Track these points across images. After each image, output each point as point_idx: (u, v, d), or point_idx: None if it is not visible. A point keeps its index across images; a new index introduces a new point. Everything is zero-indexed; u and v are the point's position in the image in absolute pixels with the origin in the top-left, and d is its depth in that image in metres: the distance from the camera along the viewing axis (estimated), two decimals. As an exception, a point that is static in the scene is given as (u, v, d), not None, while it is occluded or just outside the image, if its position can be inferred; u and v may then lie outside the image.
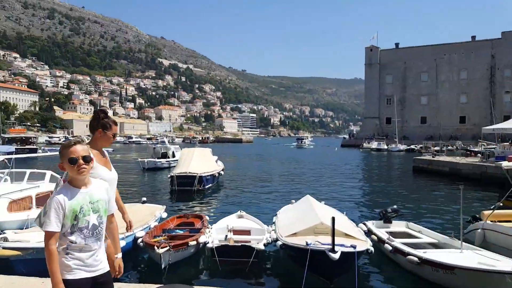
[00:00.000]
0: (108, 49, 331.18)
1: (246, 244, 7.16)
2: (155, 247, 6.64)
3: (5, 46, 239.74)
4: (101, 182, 2.35)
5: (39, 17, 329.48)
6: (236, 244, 7.20)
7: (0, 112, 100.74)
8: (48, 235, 2.06)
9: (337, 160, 41.70)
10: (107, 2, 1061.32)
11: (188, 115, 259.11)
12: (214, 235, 7.91)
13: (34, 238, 6.46)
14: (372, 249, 6.45)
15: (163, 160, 29.05)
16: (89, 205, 2.18)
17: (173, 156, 29.80)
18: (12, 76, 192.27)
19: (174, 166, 21.82)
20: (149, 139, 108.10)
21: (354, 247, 6.01)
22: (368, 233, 7.96)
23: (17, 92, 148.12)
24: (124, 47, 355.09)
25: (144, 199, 11.17)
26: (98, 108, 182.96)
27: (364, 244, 6.46)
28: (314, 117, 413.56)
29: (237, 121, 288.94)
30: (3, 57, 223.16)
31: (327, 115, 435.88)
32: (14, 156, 12.33)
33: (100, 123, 2.89)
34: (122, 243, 7.12)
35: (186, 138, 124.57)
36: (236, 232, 8.24)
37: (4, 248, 5.96)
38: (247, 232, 8.47)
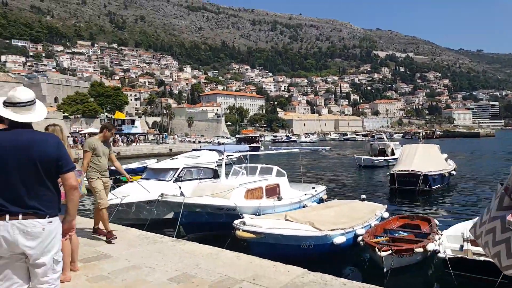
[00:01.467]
0: (323, 50, 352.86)
1: (491, 260, 5.95)
2: (376, 249, 6.49)
3: (239, 61, 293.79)
4: None
5: (264, 30, 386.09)
6: (477, 258, 6.11)
7: (237, 116, 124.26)
8: None
9: None
10: (322, 5, 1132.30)
11: (408, 108, 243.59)
12: (446, 243, 7.02)
13: (265, 224, 7.44)
14: None
15: (380, 158, 28.34)
16: None
17: (392, 153, 28.56)
18: (245, 85, 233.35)
19: (393, 164, 21.02)
20: (364, 135, 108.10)
21: None
22: None
23: (248, 98, 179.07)
24: (338, 45, 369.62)
25: (363, 196, 11.18)
26: (315, 107, 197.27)
27: None
28: None
29: (472, 111, 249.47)
30: (238, 70, 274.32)
31: None
32: (248, 153, 14.87)
33: None
34: (342, 239, 7.33)
35: (406, 134, 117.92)
36: (476, 243, 7.02)
37: (243, 230, 7.12)
38: None
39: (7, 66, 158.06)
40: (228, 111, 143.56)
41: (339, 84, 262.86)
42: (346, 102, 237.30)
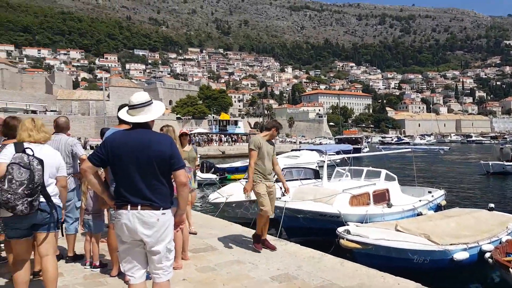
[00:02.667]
0: (440, 42, 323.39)
1: None
2: (510, 270, 5.74)
3: (343, 58, 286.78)
4: None
5: (371, 25, 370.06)
6: None
7: (340, 116, 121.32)
8: None
9: None
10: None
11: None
12: None
13: (372, 234, 7.06)
14: None
15: (514, 163, 24.84)
16: None
17: (529, 159, 24.84)
18: (349, 83, 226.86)
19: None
20: (493, 137, 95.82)
21: None
22: None
23: (353, 97, 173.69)
24: (459, 36, 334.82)
25: (492, 205, 9.84)
26: (431, 105, 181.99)
27: None
28: None
29: None
30: (342, 68, 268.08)
31: None
32: (352, 155, 14.36)
33: None
34: (464, 255, 6.58)
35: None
36: None
37: (347, 240, 6.86)
38: None
39: (130, 73, 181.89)
40: (331, 111, 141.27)
41: (461, 80, 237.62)
42: (469, 99, 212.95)
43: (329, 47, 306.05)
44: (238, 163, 26.30)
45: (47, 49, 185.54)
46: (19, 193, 2.87)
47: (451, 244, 6.84)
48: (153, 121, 2.78)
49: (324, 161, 11.59)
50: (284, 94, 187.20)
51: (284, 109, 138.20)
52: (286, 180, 11.97)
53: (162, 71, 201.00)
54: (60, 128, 4.61)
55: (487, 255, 6.65)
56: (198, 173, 18.80)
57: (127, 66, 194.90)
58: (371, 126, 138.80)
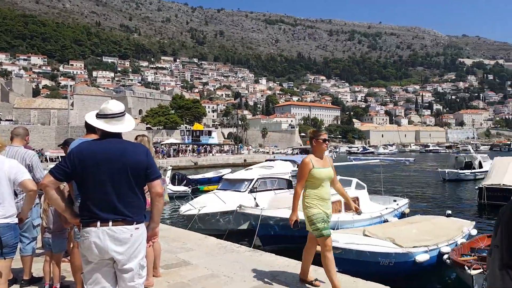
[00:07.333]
0: (403, 59, 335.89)
1: None
2: (466, 267, 6.13)
3: (315, 71, 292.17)
4: None
5: (341, 40, 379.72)
6: None
7: (311, 127, 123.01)
8: None
9: None
10: (403, 12, 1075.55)
11: (497, 118, 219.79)
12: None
13: (342, 239, 7.23)
14: None
15: (467, 171, 26.48)
16: None
17: (480, 166, 26.63)
18: (320, 96, 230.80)
19: (481, 178, 20.08)
20: (448, 147, 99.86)
21: None
22: None
23: (323, 109, 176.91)
24: (420, 53, 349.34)
25: (449, 212, 10.40)
26: (394, 117, 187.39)
27: None
28: None
29: None
30: (313, 81, 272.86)
31: None
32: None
33: None
34: (425, 257, 7.06)
35: (494, 145, 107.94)
36: None
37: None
38: None
39: (97, 81, 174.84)
40: (302, 122, 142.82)
41: (421, 94, 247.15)
42: (428, 112, 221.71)
43: (302, 61, 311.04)
44: (210, 174, 25.93)
45: (4, 54, 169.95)
46: None
47: (413, 247, 7.23)
48: None
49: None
50: (258, 105, 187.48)
51: (258, 120, 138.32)
52: (260, 191, 12.12)
53: (132, 80, 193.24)
54: (18, 139, 4.10)
55: (445, 256, 7.08)
56: (170, 185, 18.22)
57: (94, 73, 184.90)
58: (339, 136, 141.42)
